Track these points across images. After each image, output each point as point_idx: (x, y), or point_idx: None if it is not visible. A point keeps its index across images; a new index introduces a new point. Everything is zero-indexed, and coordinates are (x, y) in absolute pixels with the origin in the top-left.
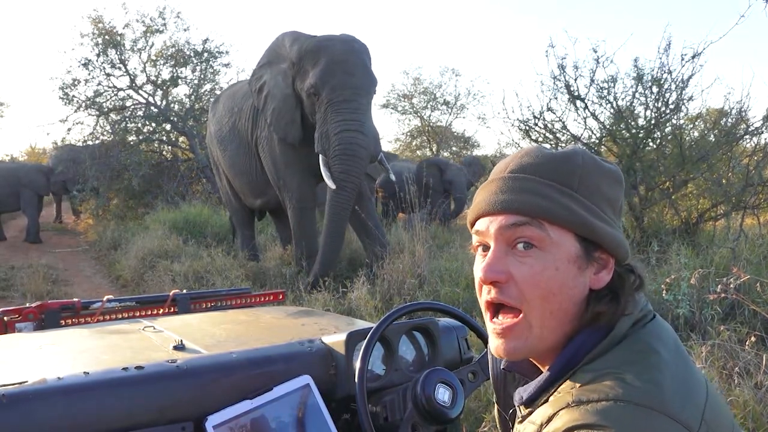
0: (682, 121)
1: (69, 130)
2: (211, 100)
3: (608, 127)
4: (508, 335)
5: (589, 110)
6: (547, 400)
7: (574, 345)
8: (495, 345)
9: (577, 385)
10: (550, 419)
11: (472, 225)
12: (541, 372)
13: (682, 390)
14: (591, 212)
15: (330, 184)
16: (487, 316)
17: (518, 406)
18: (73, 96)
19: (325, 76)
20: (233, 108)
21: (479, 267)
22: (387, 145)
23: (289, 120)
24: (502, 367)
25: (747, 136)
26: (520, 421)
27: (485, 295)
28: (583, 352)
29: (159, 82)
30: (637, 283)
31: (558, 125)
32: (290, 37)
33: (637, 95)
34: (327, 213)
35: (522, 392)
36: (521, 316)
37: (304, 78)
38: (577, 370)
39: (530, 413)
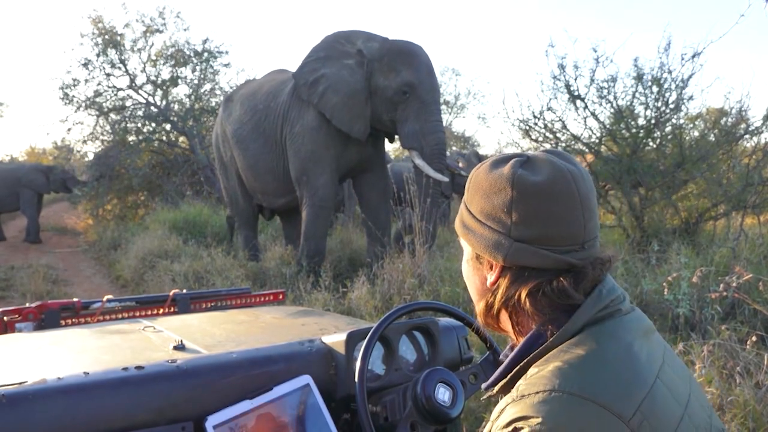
0: (682, 121)
1: (69, 130)
2: (212, 100)
3: (608, 126)
4: None
5: (589, 110)
6: (503, 394)
7: (530, 339)
8: None
9: (527, 377)
10: (500, 414)
11: None
12: None
13: (620, 382)
14: (465, 222)
15: (440, 177)
16: None
17: (485, 391)
18: (73, 96)
19: (422, 76)
20: (256, 106)
21: None
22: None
23: (356, 114)
24: (500, 358)
25: (747, 136)
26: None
27: None
28: (538, 345)
29: (159, 82)
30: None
31: (558, 125)
32: (362, 35)
33: (637, 95)
34: (430, 202)
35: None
36: None
37: (390, 75)
38: (530, 365)
39: (491, 396)
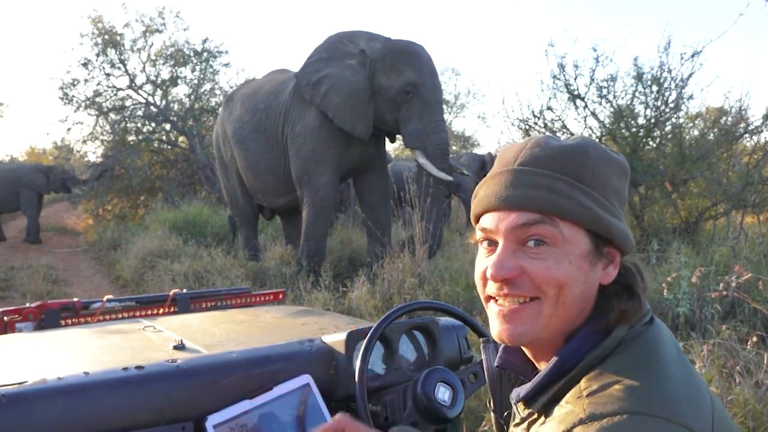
0: (681, 120)
1: (69, 130)
2: (212, 100)
3: (608, 126)
4: (514, 319)
5: (588, 109)
6: (547, 406)
7: (573, 344)
8: (498, 329)
9: (585, 394)
10: None
11: (477, 219)
12: (536, 368)
13: (691, 397)
14: (602, 207)
15: (445, 176)
16: (489, 302)
17: (515, 404)
18: (73, 96)
19: (424, 76)
20: (256, 106)
21: (484, 262)
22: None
23: (359, 114)
24: (496, 364)
25: (747, 135)
26: (517, 423)
27: (494, 290)
28: (583, 352)
29: (159, 82)
30: (644, 285)
31: (558, 124)
32: (364, 35)
33: (636, 94)
34: (433, 202)
35: (520, 390)
36: (534, 302)
37: (393, 75)
38: (581, 375)
39: (531, 414)
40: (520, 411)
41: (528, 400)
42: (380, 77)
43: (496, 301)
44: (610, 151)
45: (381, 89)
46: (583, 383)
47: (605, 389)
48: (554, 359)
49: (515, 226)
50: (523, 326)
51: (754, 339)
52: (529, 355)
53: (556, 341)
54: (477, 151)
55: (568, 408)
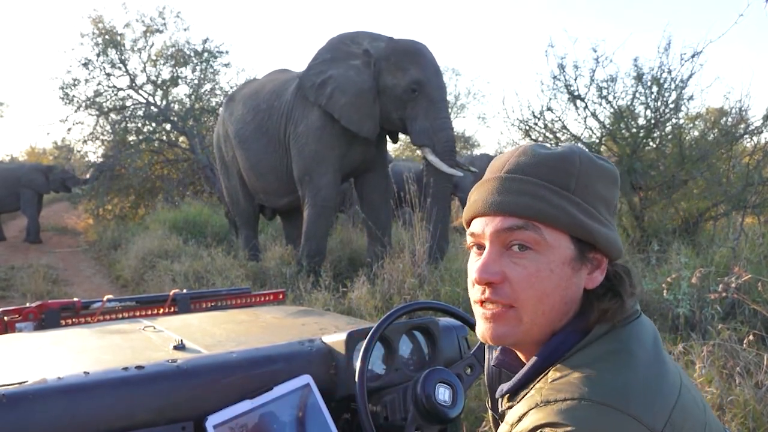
0: (681, 121)
1: (69, 130)
2: (212, 100)
3: (608, 126)
4: (497, 320)
5: (589, 110)
6: (522, 398)
7: (554, 342)
8: (482, 329)
9: (548, 381)
10: (520, 418)
11: (468, 224)
12: None
13: (650, 391)
14: (587, 214)
15: (454, 172)
16: (476, 305)
17: (499, 399)
18: (73, 96)
19: (429, 74)
20: (258, 106)
21: (474, 267)
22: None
23: (365, 114)
24: (492, 363)
25: (747, 136)
26: (502, 417)
27: (478, 294)
28: (564, 349)
29: (159, 82)
30: (632, 289)
31: (558, 125)
32: (367, 36)
33: (636, 95)
34: (434, 201)
35: (504, 386)
36: (512, 309)
37: (398, 73)
38: (553, 368)
39: (510, 407)
40: (503, 406)
41: (511, 395)
42: (385, 76)
43: (483, 304)
44: (598, 159)
45: (386, 88)
46: (551, 373)
47: (564, 377)
48: (535, 356)
49: (500, 230)
50: (505, 328)
51: (751, 337)
52: (520, 355)
53: (541, 341)
54: (477, 151)
55: (532, 395)
